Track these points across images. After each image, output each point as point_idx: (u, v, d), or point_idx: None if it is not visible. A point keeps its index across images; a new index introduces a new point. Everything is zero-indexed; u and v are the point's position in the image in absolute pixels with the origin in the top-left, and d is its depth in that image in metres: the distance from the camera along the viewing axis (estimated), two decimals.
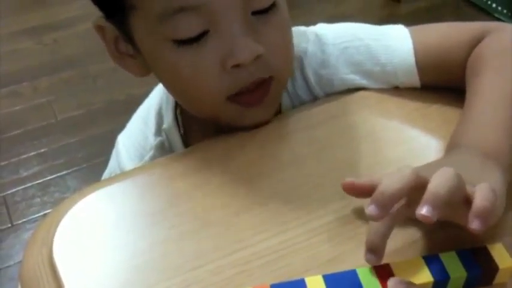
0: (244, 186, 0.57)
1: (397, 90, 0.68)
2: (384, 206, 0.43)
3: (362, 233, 0.46)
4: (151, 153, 0.71)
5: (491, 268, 0.46)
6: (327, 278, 0.45)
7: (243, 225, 0.53)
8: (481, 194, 0.43)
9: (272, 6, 0.58)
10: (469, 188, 0.45)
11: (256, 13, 0.57)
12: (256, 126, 0.64)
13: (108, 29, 0.61)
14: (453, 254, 0.46)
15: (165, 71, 0.61)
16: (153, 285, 0.49)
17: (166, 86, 0.65)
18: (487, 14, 2.35)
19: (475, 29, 0.65)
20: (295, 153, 0.62)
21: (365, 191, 0.49)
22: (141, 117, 0.76)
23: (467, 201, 0.44)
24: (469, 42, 0.64)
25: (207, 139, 0.64)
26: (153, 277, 0.49)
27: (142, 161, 0.71)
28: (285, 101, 0.70)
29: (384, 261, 0.45)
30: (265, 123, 0.64)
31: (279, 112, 0.69)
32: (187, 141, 0.71)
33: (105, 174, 0.77)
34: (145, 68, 0.63)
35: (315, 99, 0.70)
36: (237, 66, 0.57)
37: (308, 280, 0.45)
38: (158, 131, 0.72)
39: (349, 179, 0.51)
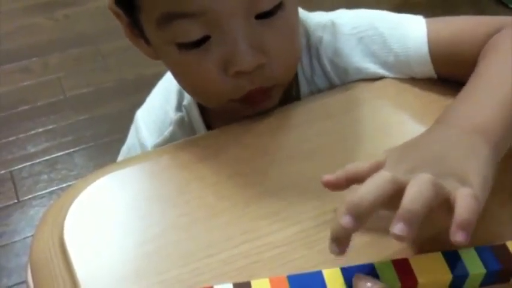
0: (256, 176, 0.57)
1: (416, 81, 0.66)
2: (360, 218, 0.41)
3: (377, 227, 0.45)
4: (170, 128, 0.72)
5: (510, 266, 0.45)
6: (345, 271, 0.44)
7: (255, 215, 0.52)
8: (463, 205, 0.41)
9: (277, 8, 0.56)
10: (449, 189, 0.43)
11: (260, 17, 0.56)
12: None
13: (122, 15, 0.61)
14: (472, 250, 0.46)
15: (170, 67, 0.63)
16: (164, 273, 0.48)
17: (173, 76, 0.65)
18: (503, 5, 2.32)
19: (491, 24, 0.63)
20: (310, 143, 0.60)
21: (341, 186, 0.49)
22: (162, 93, 0.77)
23: (447, 203, 0.42)
24: (484, 37, 0.62)
25: (225, 119, 0.64)
26: (164, 264, 0.49)
27: (162, 136, 0.72)
28: (303, 87, 0.69)
29: (403, 256, 0.45)
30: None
31: (298, 99, 0.69)
32: (206, 118, 0.71)
33: (123, 150, 0.77)
34: (157, 55, 0.63)
35: (332, 87, 0.69)
36: (239, 72, 0.57)
37: (326, 272, 0.45)
38: (179, 107, 0.73)
39: (326, 176, 0.50)
